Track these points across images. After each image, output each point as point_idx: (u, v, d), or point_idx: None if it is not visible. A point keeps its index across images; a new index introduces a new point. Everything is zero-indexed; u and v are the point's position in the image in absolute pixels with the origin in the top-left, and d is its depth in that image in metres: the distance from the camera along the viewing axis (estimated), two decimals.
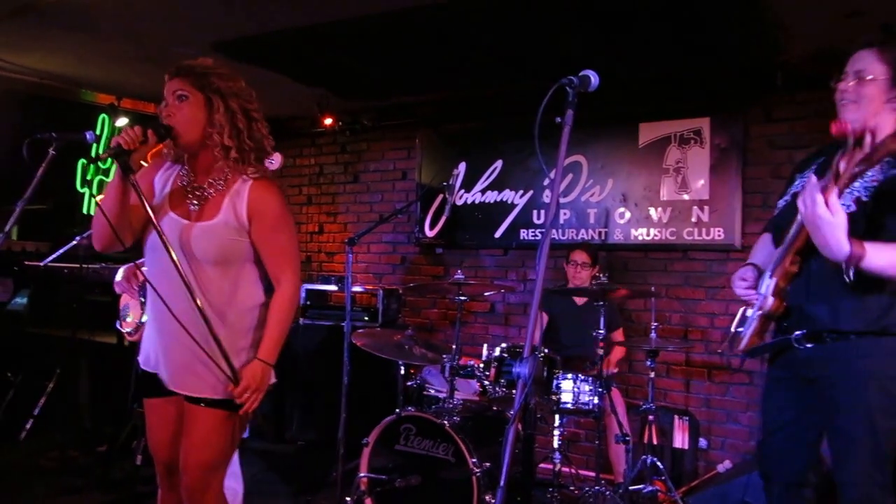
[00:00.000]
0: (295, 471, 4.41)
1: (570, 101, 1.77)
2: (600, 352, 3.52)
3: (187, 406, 2.08)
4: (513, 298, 5.15)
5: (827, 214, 1.74)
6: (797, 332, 1.95)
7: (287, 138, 6.21)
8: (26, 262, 4.79)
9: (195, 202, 2.08)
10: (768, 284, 2.01)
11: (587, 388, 3.48)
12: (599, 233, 4.74)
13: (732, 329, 2.14)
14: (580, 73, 1.78)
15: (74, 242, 4.10)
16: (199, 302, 1.95)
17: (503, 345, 3.59)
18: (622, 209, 4.68)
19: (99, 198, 2.15)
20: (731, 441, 4.29)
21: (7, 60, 4.52)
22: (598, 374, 3.50)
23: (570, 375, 3.50)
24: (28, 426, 4.93)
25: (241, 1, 3.55)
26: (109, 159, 1.95)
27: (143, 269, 2.23)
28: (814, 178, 1.83)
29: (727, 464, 4.06)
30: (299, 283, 2.13)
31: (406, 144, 5.68)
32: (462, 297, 3.68)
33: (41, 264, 4.27)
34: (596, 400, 3.46)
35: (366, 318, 5.05)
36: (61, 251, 4.20)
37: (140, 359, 2.19)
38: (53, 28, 3.98)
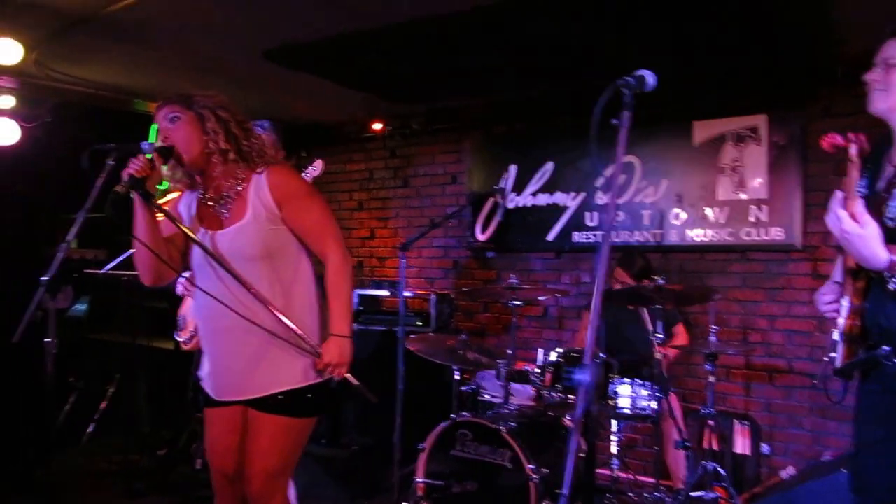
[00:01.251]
0: (350, 475, 4.44)
1: (626, 103, 1.74)
2: (658, 356, 3.49)
3: (252, 414, 2.12)
4: (565, 302, 5.11)
5: (854, 228, 1.70)
6: (884, 349, 1.89)
7: (337, 144, 6.30)
8: (86, 271, 4.95)
9: (222, 211, 2.13)
10: (845, 305, 1.97)
11: (644, 392, 3.45)
12: (654, 234, 4.69)
13: (825, 358, 2.09)
14: (636, 73, 1.75)
15: (133, 251, 4.22)
16: (257, 293, 2.03)
17: (559, 349, 3.58)
18: (677, 210, 4.62)
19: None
20: (794, 447, 4.20)
21: (64, 73, 4.66)
22: (655, 379, 3.46)
23: (626, 380, 3.47)
24: (90, 430, 5.09)
25: (290, 10, 3.62)
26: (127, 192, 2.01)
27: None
28: (838, 193, 1.80)
29: (790, 470, 3.96)
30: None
31: (455, 148, 5.70)
32: (516, 302, 3.68)
33: (101, 272, 4.40)
34: (654, 405, 3.43)
35: (419, 323, 5.08)
36: (119, 259, 4.32)
37: (201, 373, 2.25)
38: (108, 41, 4.10)
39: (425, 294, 5.21)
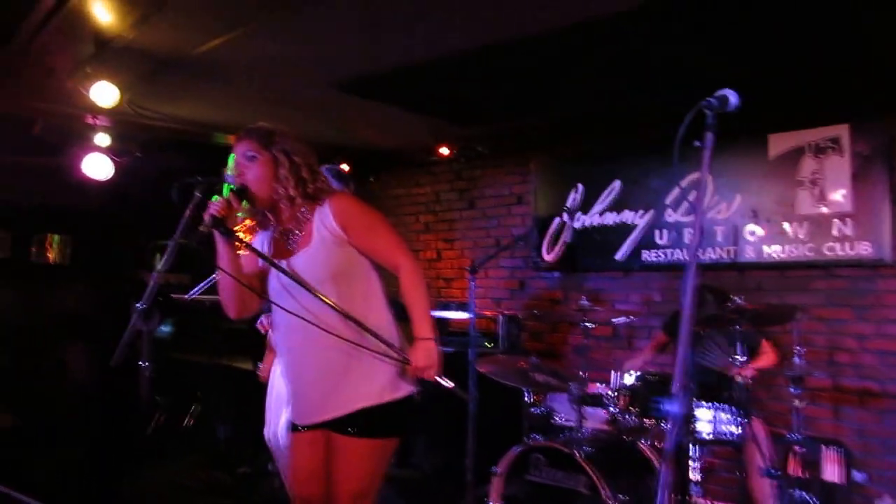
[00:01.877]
0: (422, 497, 4.34)
1: (709, 124, 1.67)
2: (739, 379, 3.23)
3: (334, 438, 2.10)
4: (635, 321, 4.89)
5: None
6: None
7: (404, 168, 6.28)
8: (172, 295, 5.06)
9: (290, 241, 2.17)
10: None
11: (726, 416, 3.20)
12: (728, 251, 4.42)
13: None
14: (718, 94, 1.68)
15: (215, 276, 4.25)
16: (340, 308, 2.03)
17: (635, 373, 3.38)
18: (752, 226, 4.36)
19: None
20: (889, 474, 3.85)
21: (153, 110, 4.81)
22: (737, 402, 3.20)
23: (706, 403, 3.23)
24: (175, 447, 5.16)
25: (358, 43, 3.64)
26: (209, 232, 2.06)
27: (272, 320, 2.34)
28: None
29: (887, 500, 3.62)
30: (416, 260, 2.17)
31: (521, 169, 5.60)
32: (589, 325, 3.53)
33: (186, 297, 4.47)
34: (736, 429, 3.18)
35: (487, 345, 4.95)
36: (202, 286, 4.38)
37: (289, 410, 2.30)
38: (192, 79, 4.20)
39: (493, 315, 5.07)
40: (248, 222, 2.32)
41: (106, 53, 3.67)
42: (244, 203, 2.13)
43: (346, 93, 4.39)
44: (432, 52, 3.71)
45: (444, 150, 5.77)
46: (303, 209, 2.16)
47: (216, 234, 2.05)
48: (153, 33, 3.47)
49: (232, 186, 2.12)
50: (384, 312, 2.16)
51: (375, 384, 2.09)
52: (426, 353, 2.08)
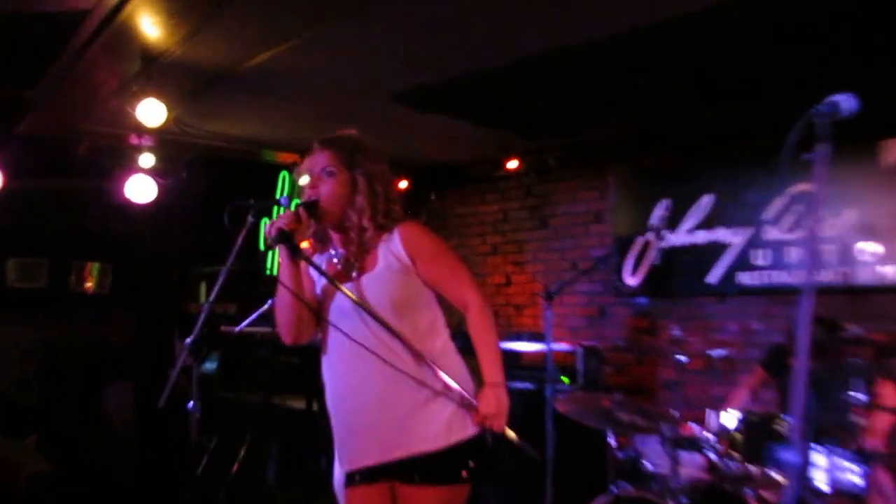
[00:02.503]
0: None
1: (821, 135, 1.65)
2: (859, 420, 3.16)
3: (400, 490, 2.11)
4: (734, 353, 4.81)
5: None
6: None
7: (468, 185, 6.36)
8: (221, 328, 5.15)
9: (352, 267, 2.21)
10: None
11: (844, 464, 3.13)
12: (839, 273, 4.35)
13: None
14: (828, 100, 1.66)
15: (267, 306, 4.34)
16: (406, 340, 2.06)
17: (738, 414, 3.34)
18: (866, 244, 4.28)
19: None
20: None
21: (200, 128, 5.01)
22: (858, 448, 3.13)
23: (821, 448, 3.17)
24: (223, 492, 5.23)
25: (416, 53, 3.74)
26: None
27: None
28: None
29: None
30: (485, 297, 2.22)
31: (598, 183, 5.62)
32: (681, 357, 3.50)
33: (236, 329, 4.57)
34: (857, 480, 3.10)
35: (565, 380, 4.94)
36: (254, 317, 4.46)
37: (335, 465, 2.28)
38: (241, 95, 4.37)
39: (571, 347, 5.07)
40: (305, 243, 2.38)
41: (153, 70, 3.85)
42: (312, 219, 2.17)
43: (403, 105, 4.51)
44: (497, 59, 3.79)
45: (513, 164, 5.83)
46: (371, 235, 2.20)
47: (280, 249, 2.09)
48: (202, 48, 3.64)
49: (304, 199, 2.17)
50: (450, 348, 2.19)
51: (441, 423, 2.09)
52: (496, 400, 2.09)
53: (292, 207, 2.17)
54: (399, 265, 2.15)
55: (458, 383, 2.10)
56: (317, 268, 2.14)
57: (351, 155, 2.18)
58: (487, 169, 6.11)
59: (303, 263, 2.20)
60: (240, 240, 2.19)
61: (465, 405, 2.10)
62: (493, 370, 2.12)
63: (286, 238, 2.07)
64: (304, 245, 2.32)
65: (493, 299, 6.18)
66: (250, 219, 2.16)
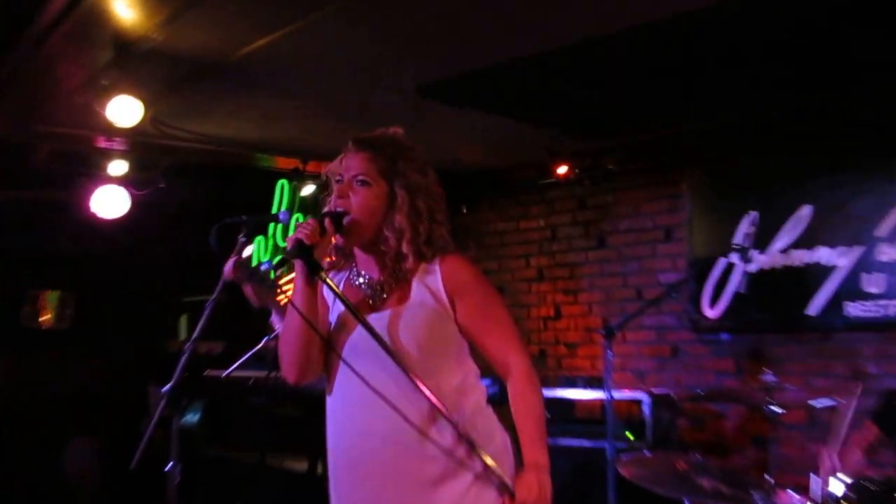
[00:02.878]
0: None
1: None
2: None
3: None
4: (841, 403, 4.77)
5: None
6: None
7: (508, 194, 6.40)
8: (206, 372, 5.18)
9: (378, 295, 2.24)
10: None
11: None
12: None
13: None
14: None
15: (262, 345, 4.37)
16: (431, 392, 2.04)
17: (847, 479, 3.31)
18: None
19: (277, 327, 2.31)
20: None
21: (182, 129, 5.06)
22: None
23: None
24: None
25: (444, 36, 3.78)
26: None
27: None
28: None
29: None
30: (530, 360, 2.23)
31: (669, 192, 5.63)
32: (775, 408, 3.48)
33: (224, 374, 4.60)
34: None
35: (630, 436, 4.93)
36: (247, 356, 4.49)
37: None
38: (232, 89, 4.44)
39: (637, 395, 5.06)
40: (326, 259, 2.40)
41: (127, 60, 3.91)
42: (338, 234, 2.18)
43: (429, 99, 4.57)
44: (543, 43, 3.81)
45: (562, 170, 5.86)
46: (407, 262, 2.20)
47: (298, 265, 2.10)
48: (186, 33, 3.70)
49: (329, 209, 2.19)
50: (484, 408, 2.21)
51: (459, 491, 2.10)
52: (538, 486, 2.08)
53: (317, 216, 2.18)
54: (435, 304, 2.17)
55: (493, 455, 2.10)
56: (339, 295, 2.13)
57: (392, 161, 2.20)
58: (532, 176, 6.12)
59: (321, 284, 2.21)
60: (229, 266, 2.23)
61: (499, 486, 2.08)
62: (535, 449, 2.12)
63: (305, 252, 2.08)
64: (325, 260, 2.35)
65: (540, 336, 6.19)
66: (242, 239, 2.18)
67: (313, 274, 2.10)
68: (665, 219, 5.67)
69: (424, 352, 2.13)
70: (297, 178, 5.95)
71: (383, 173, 2.18)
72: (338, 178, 2.21)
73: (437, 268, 2.20)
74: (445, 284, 2.18)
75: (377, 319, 2.15)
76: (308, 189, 5.97)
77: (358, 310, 2.15)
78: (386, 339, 2.10)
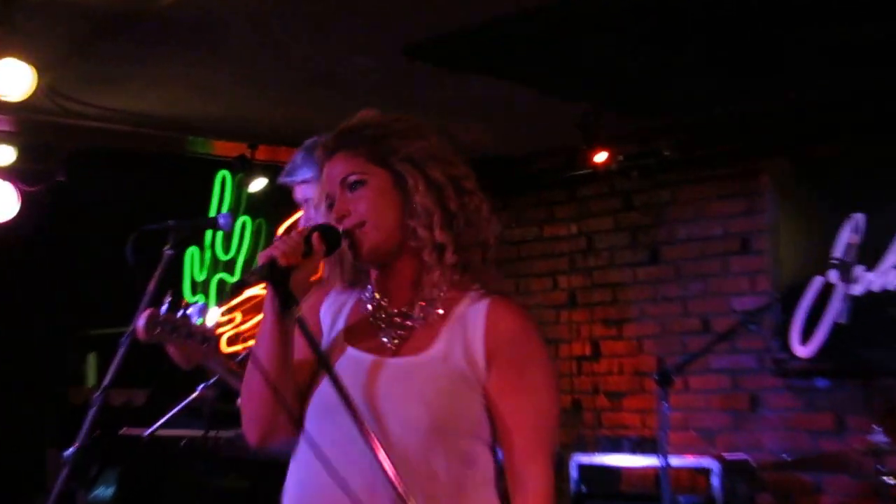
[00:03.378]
0: None
1: None
2: None
3: None
4: None
5: None
6: None
7: (525, 192, 6.41)
8: (123, 430, 5.16)
9: (393, 334, 2.21)
10: None
11: None
12: None
13: None
14: None
15: (197, 394, 4.38)
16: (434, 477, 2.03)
17: None
18: None
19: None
20: None
21: (89, 103, 5.04)
22: None
23: None
24: None
25: None
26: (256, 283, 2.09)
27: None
28: None
29: None
30: (553, 478, 2.15)
31: (744, 187, 5.64)
32: (890, 480, 3.47)
33: (146, 433, 4.60)
34: None
35: None
36: (177, 409, 4.49)
37: None
38: (156, 49, 4.42)
39: (703, 460, 5.03)
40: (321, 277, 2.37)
41: (13, 12, 3.89)
42: (332, 251, 2.14)
43: (420, 61, 4.56)
44: None
45: (601, 157, 5.82)
46: (444, 283, 2.18)
47: (270, 290, 2.10)
48: None
49: (329, 227, 2.16)
50: None
51: None
52: None
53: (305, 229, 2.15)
54: (465, 363, 2.13)
55: None
56: (311, 342, 2.08)
57: (378, 141, 2.19)
58: (559, 165, 6.14)
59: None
60: (152, 284, 2.20)
61: None
62: None
63: (278, 277, 2.06)
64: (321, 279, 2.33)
65: (572, 381, 6.21)
66: (168, 251, 2.18)
67: (285, 308, 2.06)
68: (740, 224, 5.68)
69: (433, 423, 2.09)
70: (244, 168, 5.93)
71: (375, 159, 2.17)
72: (329, 201, 2.20)
73: (482, 314, 2.16)
74: (489, 337, 2.13)
75: (377, 365, 2.16)
76: (258, 184, 5.96)
77: (363, 345, 2.21)
78: (380, 395, 2.12)
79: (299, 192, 2.93)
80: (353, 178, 2.17)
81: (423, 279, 2.19)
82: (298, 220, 3.14)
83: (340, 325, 2.28)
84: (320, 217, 2.21)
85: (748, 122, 5.48)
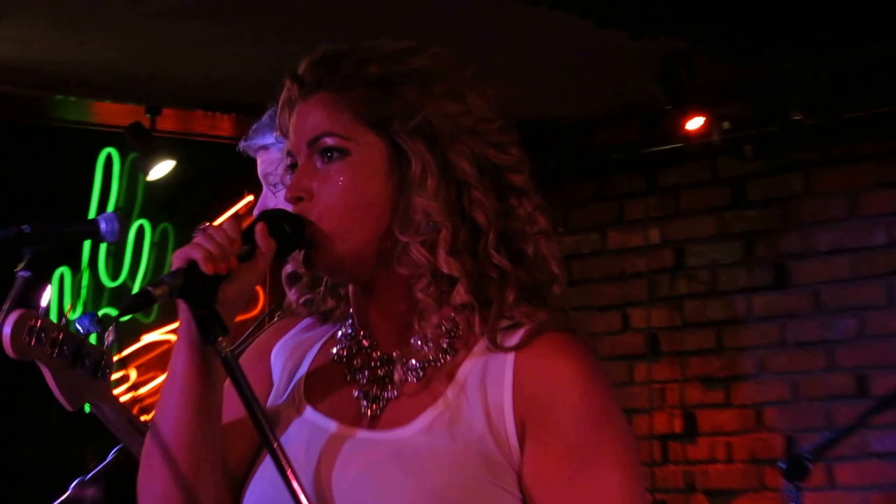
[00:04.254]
0: None
1: None
2: None
3: None
4: None
5: None
6: None
7: (580, 178, 6.54)
8: None
9: (374, 392, 2.23)
10: None
11: None
12: None
13: None
14: None
15: (72, 490, 4.49)
16: None
17: None
18: None
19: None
20: None
21: None
22: None
23: None
24: None
25: None
26: (167, 299, 2.09)
27: None
28: None
29: None
30: None
31: None
32: None
33: None
34: None
35: None
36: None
37: None
38: None
39: None
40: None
41: None
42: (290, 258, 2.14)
43: None
44: None
45: (696, 123, 5.97)
46: (458, 322, 2.16)
47: (185, 312, 2.03)
48: None
49: (283, 214, 2.13)
50: None
51: None
52: None
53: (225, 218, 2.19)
54: (483, 440, 2.08)
55: None
56: (243, 391, 1.95)
57: (384, 89, 2.12)
58: (633, 138, 6.33)
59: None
60: (8, 325, 2.35)
61: None
62: None
63: (199, 289, 2.03)
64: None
65: (652, 473, 6.31)
66: (22, 274, 2.30)
67: (207, 337, 2.01)
68: None
69: None
70: (139, 143, 6.04)
71: (369, 118, 2.13)
72: (289, 159, 2.22)
73: (510, 365, 2.13)
74: (518, 396, 2.11)
75: (353, 444, 2.15)
76: (162, 168, 6.07)
77: (330, 412, 2.19)
78: (351, 488, 2.10)
79: (262, 164, 2.96)
80: (328, 140, 2.12)
81: (415, 320, 2.17)
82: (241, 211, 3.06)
83: (304, 370, 2.28)
84: (272, 199, 2.30)
85: None
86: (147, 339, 5.70)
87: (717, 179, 6.34)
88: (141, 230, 6.20)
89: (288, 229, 2.07)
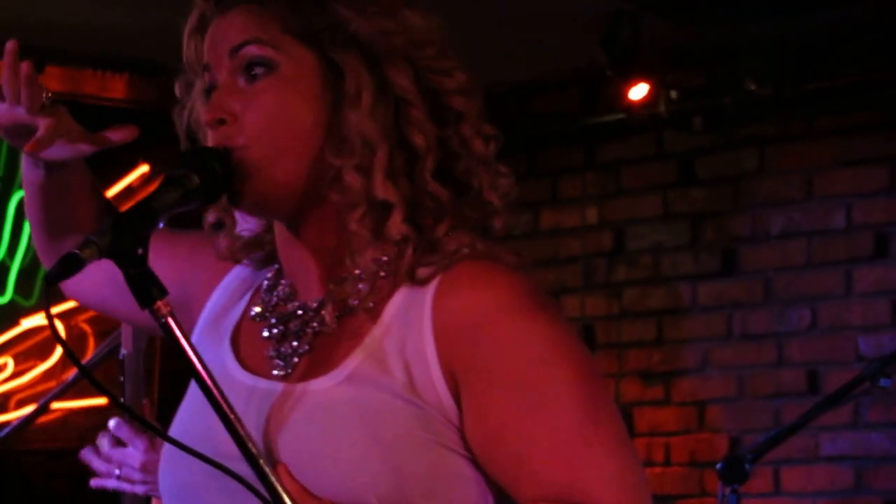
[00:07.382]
0: None
1: None
2: None
3: None
4: None
5: None
6: None
7: (511, 151, 6.16)
8: None
9: (293, 342, 2.15)
10: None
11: None
12: None
13: None
14: None
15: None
16: None
17: None
18: None
19: None
20: None
21: None
22: None
23: None
24: None
25: None
26: None
27: None
28: None
29: None
30: None
31: (888, 150, 5.59)
32: None
33: None
34: None
35: None
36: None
37: None
38: None
39: None
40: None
41: None
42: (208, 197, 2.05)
43: None
44: None
45: (640, 91, 5.76)
46: (383, 260, 2.08)
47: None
48: None
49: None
50: None
51: None
52: None
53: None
54: (407, 386, 2.02)
55: None
56: (182, 349, 1.92)
57: (318, 4, 2.05)
58: (569, 107, 6.10)
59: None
60: None
61: None
62: None
63: (127, 245, 1.89)
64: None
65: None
66: None
67: (143, 299, 1.91)
68: (878, 210, 5.64)
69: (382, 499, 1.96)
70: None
71: (298, 30, 2.05)
72: (207, 82, 2.08)
73: (428, 301, 2.02)
74: (440, 343, 1.98)
75: (280, 397, 2.09)
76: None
77: (252, 365, 2.14)
78: (279, 443, 2.02)
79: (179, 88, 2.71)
80: (254, 49, 2.05)
81: (346, 256, 2.10)
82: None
83: (232, 319, 2.28)
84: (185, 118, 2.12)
85: None
86: (27, 323, 5.84)
87: (663, 155, 6.24)
88: (22, 203, 6.00)
89: (219, 169, 2.01)
